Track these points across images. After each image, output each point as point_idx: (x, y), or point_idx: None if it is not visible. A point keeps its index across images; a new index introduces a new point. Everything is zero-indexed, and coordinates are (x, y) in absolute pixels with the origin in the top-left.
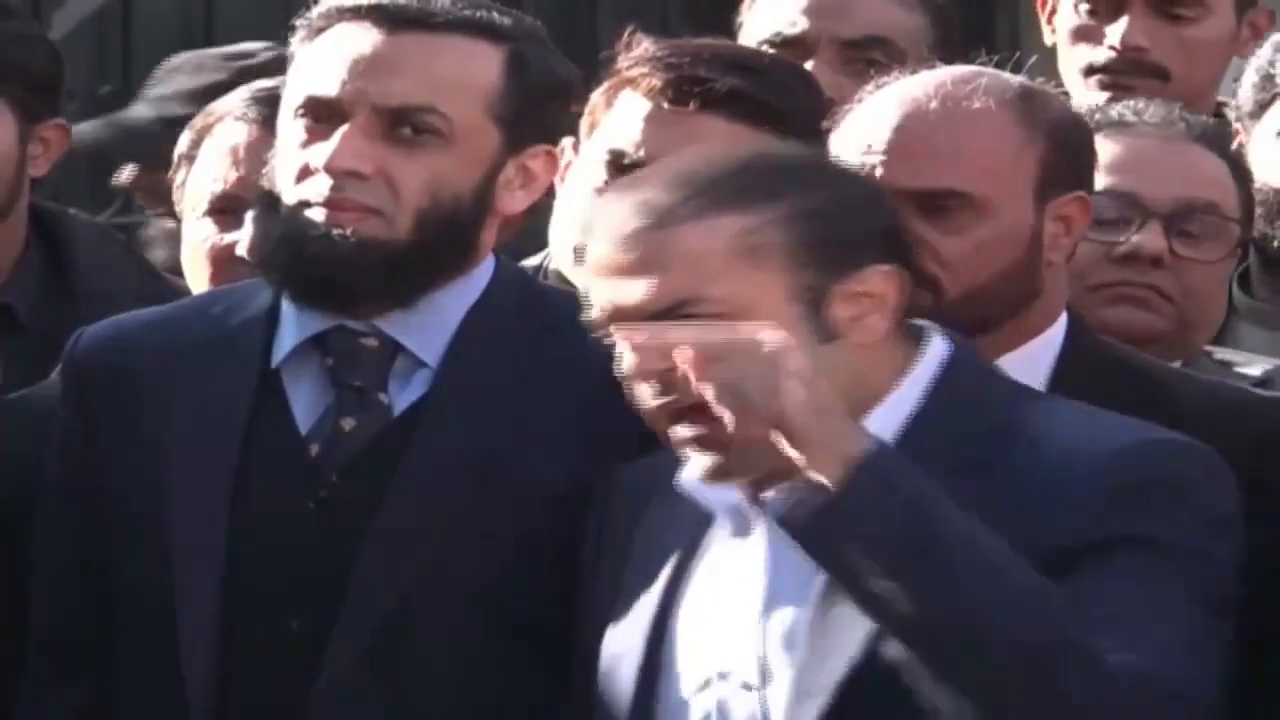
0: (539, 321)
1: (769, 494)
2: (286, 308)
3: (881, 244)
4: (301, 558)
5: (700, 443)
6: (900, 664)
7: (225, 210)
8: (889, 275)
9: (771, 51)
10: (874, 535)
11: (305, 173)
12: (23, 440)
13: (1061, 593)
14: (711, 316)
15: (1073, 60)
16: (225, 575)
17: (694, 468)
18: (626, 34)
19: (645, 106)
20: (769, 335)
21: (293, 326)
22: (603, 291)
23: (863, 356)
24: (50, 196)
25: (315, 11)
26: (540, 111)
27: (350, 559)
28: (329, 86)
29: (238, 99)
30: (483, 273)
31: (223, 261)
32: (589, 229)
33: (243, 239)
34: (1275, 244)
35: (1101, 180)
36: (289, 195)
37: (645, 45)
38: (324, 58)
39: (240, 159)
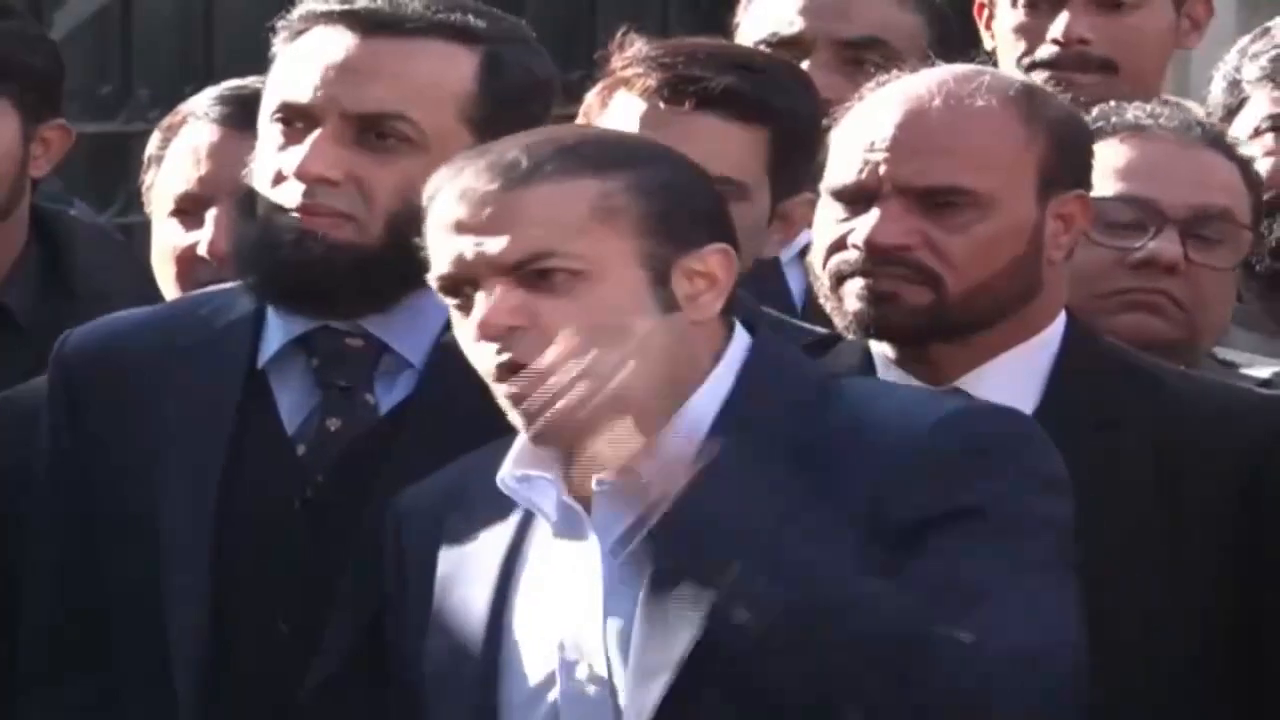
0: None
1: (601, 479)
2: (272, 309)
3: (716, 225)
4: (289, 558)
5: (522, 401)
6: (737, 645)
7: (188, 210)
8: (726, 255)
9: (766, 50)
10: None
11: (279, 178)
12: (12, 440)
13: (896, 589)
14: (565, 271)
15: (1014, 57)
16: (213, 575)
17: (514, 461)
18: (620, 34)
19: (640, 106)
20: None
21: (278, 327)
22: (454, 247)
23: (693, 334)
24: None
25: (295, 13)
26: (518, 113)
27: (338, 559)
28: (301, 92)
29: (204, 99)
30: None
31: (186, 262)
32: (435, 192)
33: (203, 238)
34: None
35: (1117, 185)
36: (264, 200)
37: (639, 45)
38: (299, 62)
39: (203, 159)
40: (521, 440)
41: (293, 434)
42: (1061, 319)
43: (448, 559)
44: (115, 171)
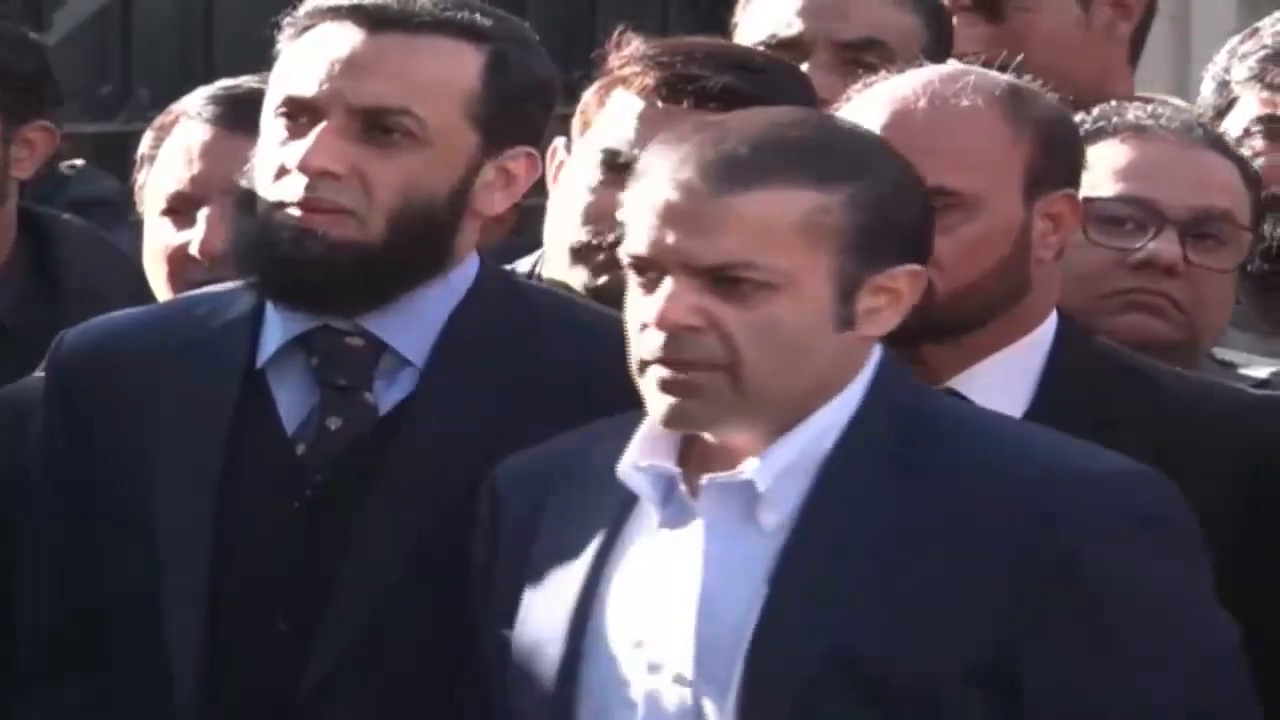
0: (521, 320)
1: (710, 477)
2: (271, 308)
3: (914, 241)
4: (288, 557)
5: (673, 386)
6: (861, 666)
7: (179, 209)
8: (917, 275)
9: (763, 50)
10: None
11: (281, 172)
12: (2, 440)
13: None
14: (757, 283)
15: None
16: (211, 575)
17: (636, 451)
18: (617, 33)
19: (638, 105)
20: None
21: (277, 326)
22: (656, 233)
23: (854, 349)
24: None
25: (301, 9)
26: (520, 113)
27: (337, 558)
28: (306, 86)
29: (197, 98)
30: (466, 272)
31: (177, 261)
32: (649, 168)
33: (195, 238)
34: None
35: (1117, 185)
36: (265, 195)
37: (636, 44)
38: (304, 57)
39: (195, 158)
40: (645, 430)
41: (292, 433)
42: (1053, 319)
43: (545, 536)
44: (115, 171)
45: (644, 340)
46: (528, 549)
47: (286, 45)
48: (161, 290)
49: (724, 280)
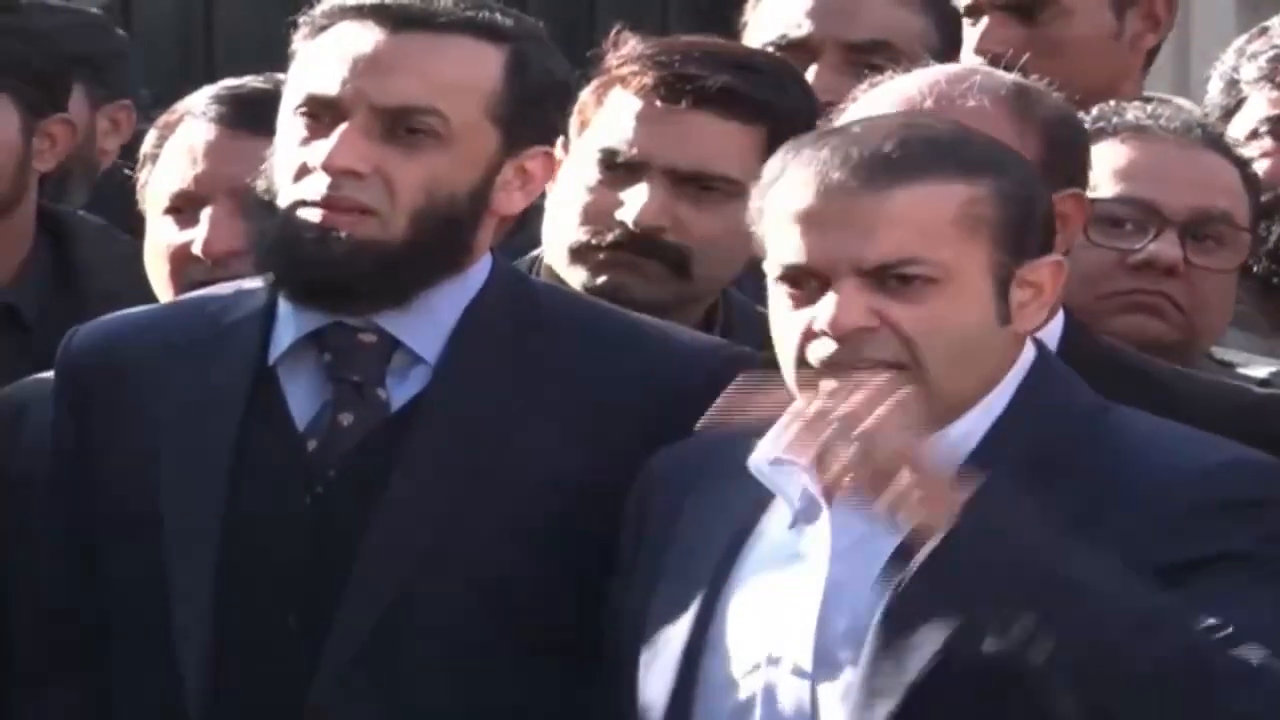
0: (533, 318)
1: (842, 489)
2: (283, 305)
3: (1048, 235)
4: (298, 553)
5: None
6: (977, 671)
7: (183, 209)
8: (1059, 267)
9: (760, 49)
10: (999, 579)
11: (303, 171)
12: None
13: (1187, 608)
14: (925, 279)
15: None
16: (221, 571)
17: (764, 448)
18: (614, 32)
19: (636, 105)
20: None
21: (290, 323)
22: (807, 240)
23: (1011, 346)
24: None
25: (319, 9)
26: (539, 112)
27: (347, 555)
28: (329, 85)
29: (201, 97)
30: (479, 270)
31: (180, 260)
32: (779, 175)
33: (198, 237)
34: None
35: (1117, 186)
36: (286, 194)
37: (634, 43)
38: (325, 56)
39: (199, 157)
40: (779, 425)
41: (303, 429)
42: (1060, 318)
43: (685, 527)
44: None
45: (812, 350)
46: (670, 536)
47: (303, 44)
48: (163, 289)
49: (891, 278)
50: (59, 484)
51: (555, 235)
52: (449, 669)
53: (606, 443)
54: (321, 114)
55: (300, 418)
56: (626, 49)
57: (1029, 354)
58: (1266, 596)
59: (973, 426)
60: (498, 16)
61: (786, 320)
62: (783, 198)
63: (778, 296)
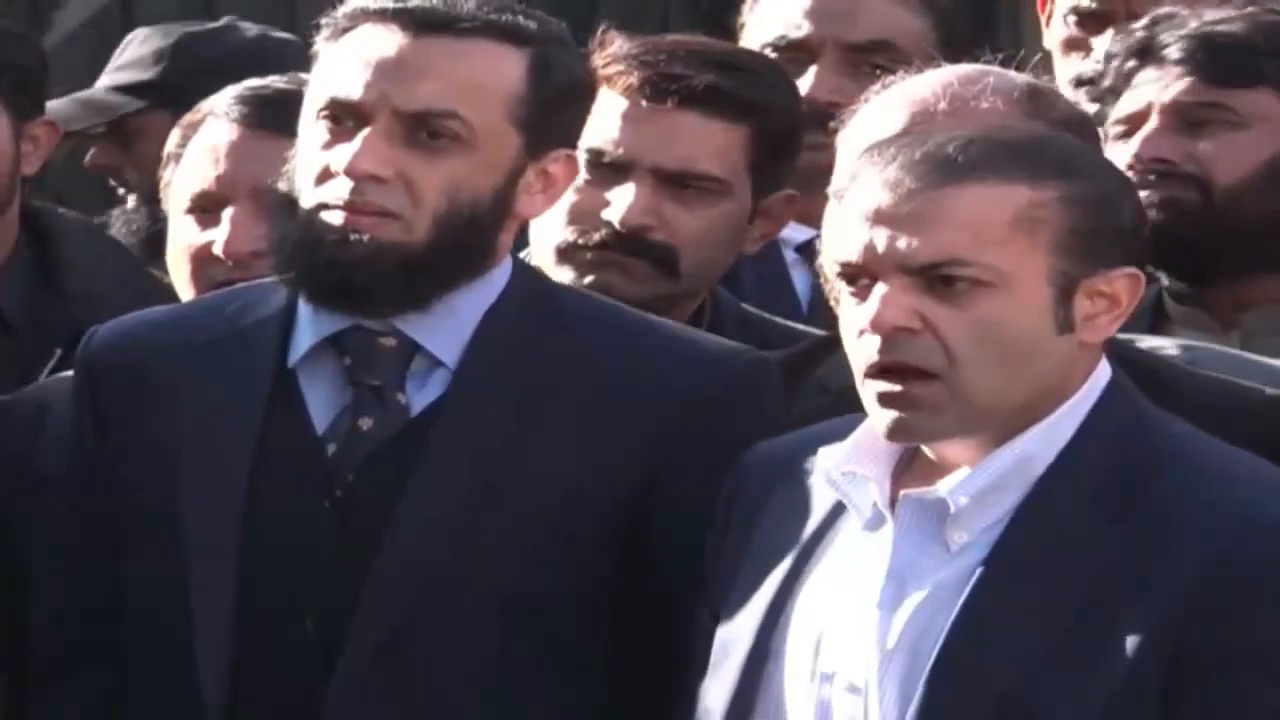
0: (553, 320)
1: (906, 492)
2: (303, 307)
3: (1132, 244)
4: (317, 557)
5: (893, 400)
6: (1041, 705)
7: (205, 209)
8: (1135, 279)
9: (744, 47)
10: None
11: (325, 175)
12: (15, 442)
13: None
14: (972, 282)
15: (1063, 71)
16: (240, 574)
17: (844, 457)
18: (600, 31)
19: (622, 104)
20: None
21: (309, 326)
22: (866, 236)
23: (1077, 356)
24: (54, 198)
25: (340, 11)
26: (562, 115)
27: (366, 559)
28: (352, 89)
29: (225, 97)
30: (500, 273)
31: (201, 260)
32: (856, 174)
33: (219, 238)
34: None
35: None
36: (308, 197)
37: (619, 43)
38: (348, 59)
39: (220, 158)
40: (857, 435)
41: (323, 433)
42: None
43: (763, 528)
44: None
45: (860, 349)
46: (750, 537)
47: (325, 46)
48: (184, 289)
49: (938, 280)
50: (78, 483)
51: (542, 235)
52: (466, 675)
53: (626, 447)
54: (344, 117)
55: (320, 421)
56: (612, 49)
57: (1105, 372)
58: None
59: (1041, 446)
60: (521, 19)
61: (847, 318)
62: (854, 196)
63: (844, 297)
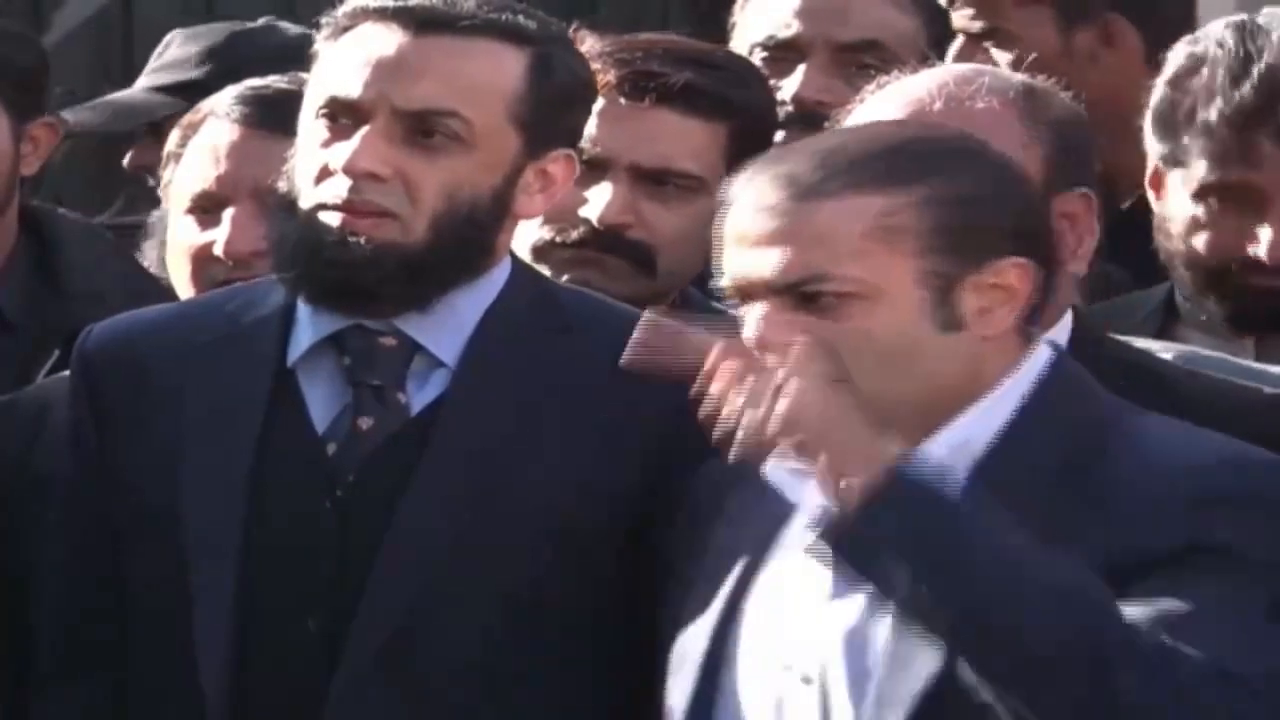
0: (552, 320)
1: (843, 483)
2: (302, 306)
3: (1019, 235)
4: (318, 556)
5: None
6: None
7: (205, 209)
8: (1023, 269)
9: (720, 45)
10: (898, 540)
11: (324, 174)
12: (16, 443)
13: (1109, 593)
14: (838, 295)
15: None
16: (241, 574)
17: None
18: (572, 30)
19: (599, 102)
20: (794, 348)
21: (309, 325)
22: (734, 261)
23: (982, 349)
24: (53, 198)
25: (341, 10)
26: (562, 115)
27: (367, 558)
28: (351, 88)
29: (226, 96)
30: (500, 273)
31: (201, 260)
32: (730, 198)
33: (219, 238)
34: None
35: None
36: (307, 196)
37: (591, 42)
38: (347, 58)
39: (221, 157)
40: None
41: (323, 433)
42: (1068, 319)
43: (722, 531)
44: (115, 171)
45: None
46: (708, 541)
47: (325, 45)
48: (185, 289)
49: (804, 296)
50: (77, 483)
51: (520, 233)
52: (467, 674)
53: (627, 446)
54: (343, 116)
55: (320, 421)
56: (587, 47)
57: (1043, 357)
58: (1213, 590)
59: (976, 430)
60: (521, 19)
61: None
62: (727, 220)
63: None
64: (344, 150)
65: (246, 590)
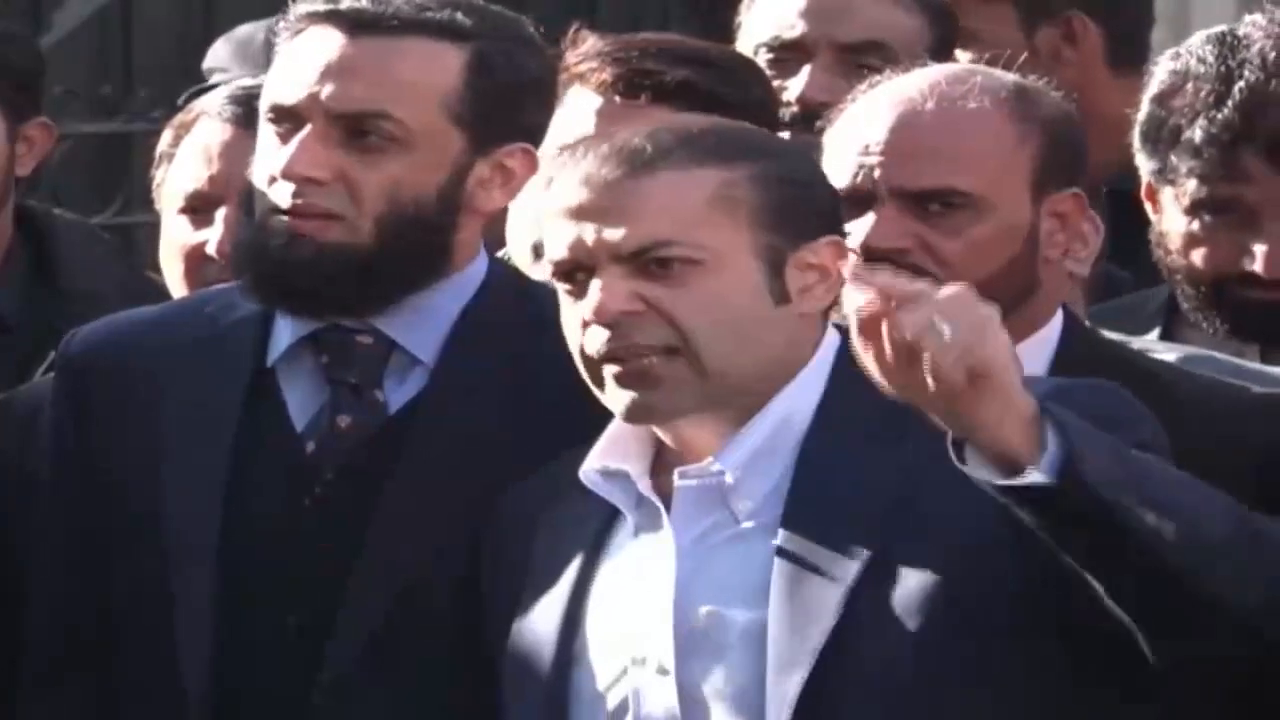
0: (531, 317)
1: (681, 469)
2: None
3: (833, 220)
4: (298, 555)
5: (630, 379)
6: (873, 629)
7: (198, 209)
8: (838, 246)
9: (717, 43)
10: (1108, 473)
11: (272, 179)
12: (10, 442)
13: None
14: (683, 260)
15: None
16: (221, 573)
17: (598, 455)
18: (571, 31)
19: (596, 101)
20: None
21: (287, 324)
22: (572, 233)
23: (798, 327)
24: (51, 198)
25: (293, 12)
26: (510, 111)
27: (347, 556)
28: (288, 93)
29: (217, 97)
30: (476, 270)
31: (194, 260)
32: (553, 176)
33: (212, 238)
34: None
35: None
36: (260, 201)
37: (591, 41)
38: (289, 63)
39: (213, 158)
40: (607, 434)
41: (301, 431)
42: (1059, 317)
43: (538, 553)
44: (115, 171)
45: (588, 341)
46: (526, 563)
47: (281, 48)
48: (178, 289)
49: (652, 262)
50: (61, 485)
51: (519, 233)
52: (448, 671)
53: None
54: (284, 121)
55: (298, 419)
56: (584, 46)
57: (834, 335)
58: None
59: (794, 406)
60: (458, 15)
61: (567, 317)
62: (551, 198)
63: (562, 296)
64: (285, 155)
65: (227, 589)
